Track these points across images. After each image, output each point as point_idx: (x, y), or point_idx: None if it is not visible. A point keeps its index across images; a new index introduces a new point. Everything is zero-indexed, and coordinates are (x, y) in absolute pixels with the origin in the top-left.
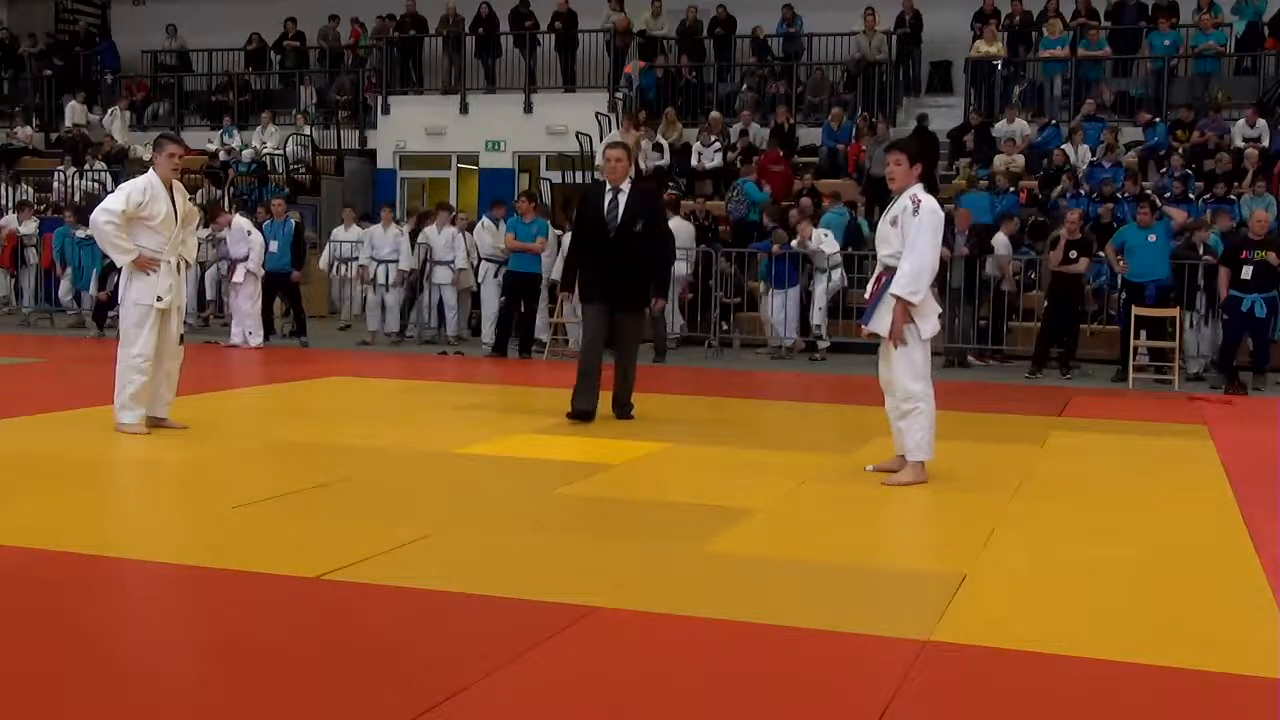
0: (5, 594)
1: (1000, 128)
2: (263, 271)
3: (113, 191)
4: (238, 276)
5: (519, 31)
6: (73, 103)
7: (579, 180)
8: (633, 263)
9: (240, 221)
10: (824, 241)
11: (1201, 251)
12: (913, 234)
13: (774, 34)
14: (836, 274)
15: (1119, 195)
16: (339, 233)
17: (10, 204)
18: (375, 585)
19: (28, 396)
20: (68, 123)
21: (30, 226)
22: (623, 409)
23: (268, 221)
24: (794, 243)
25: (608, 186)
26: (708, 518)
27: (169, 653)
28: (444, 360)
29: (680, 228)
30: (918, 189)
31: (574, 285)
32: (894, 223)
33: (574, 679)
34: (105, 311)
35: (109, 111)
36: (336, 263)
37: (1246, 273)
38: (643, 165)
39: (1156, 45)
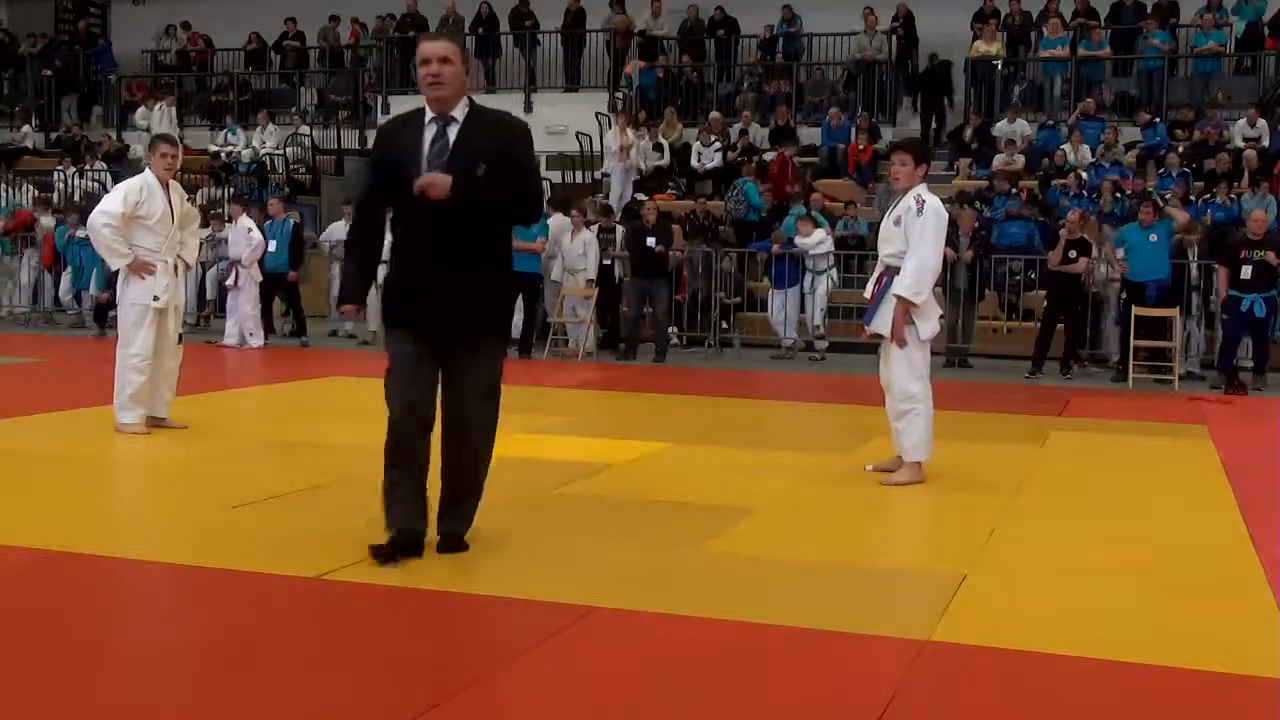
0: (6, 594)
1: (1001, 127)
2: (258, 273)
3: (110, 192)
4: (241, 280)
5: (519, 31)
6: (94, 106)
7: (579, 180)
8: (471, 249)
9: (245, 220)
10: (820, 245)
11: (1193, 257)
12: (916, 234)
13: (772, 35)
14: (834, 274)
15: (1118, 195)
16: (337, 229)
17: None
18: (375, 585)
19: (28, 396)
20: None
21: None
22: (454, 526)
23: (268, 221)
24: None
25: (427, 115)
26: (708, 518)
27: (169, 653)
28: None
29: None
30: (922, 189)
31: (359, 294)
32: (897, 222)
33: (574, 679)
34: (106, 312)
35: (156, 107)
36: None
37: (1246, 272)
38: (642, 165)
39: (1147, 47)
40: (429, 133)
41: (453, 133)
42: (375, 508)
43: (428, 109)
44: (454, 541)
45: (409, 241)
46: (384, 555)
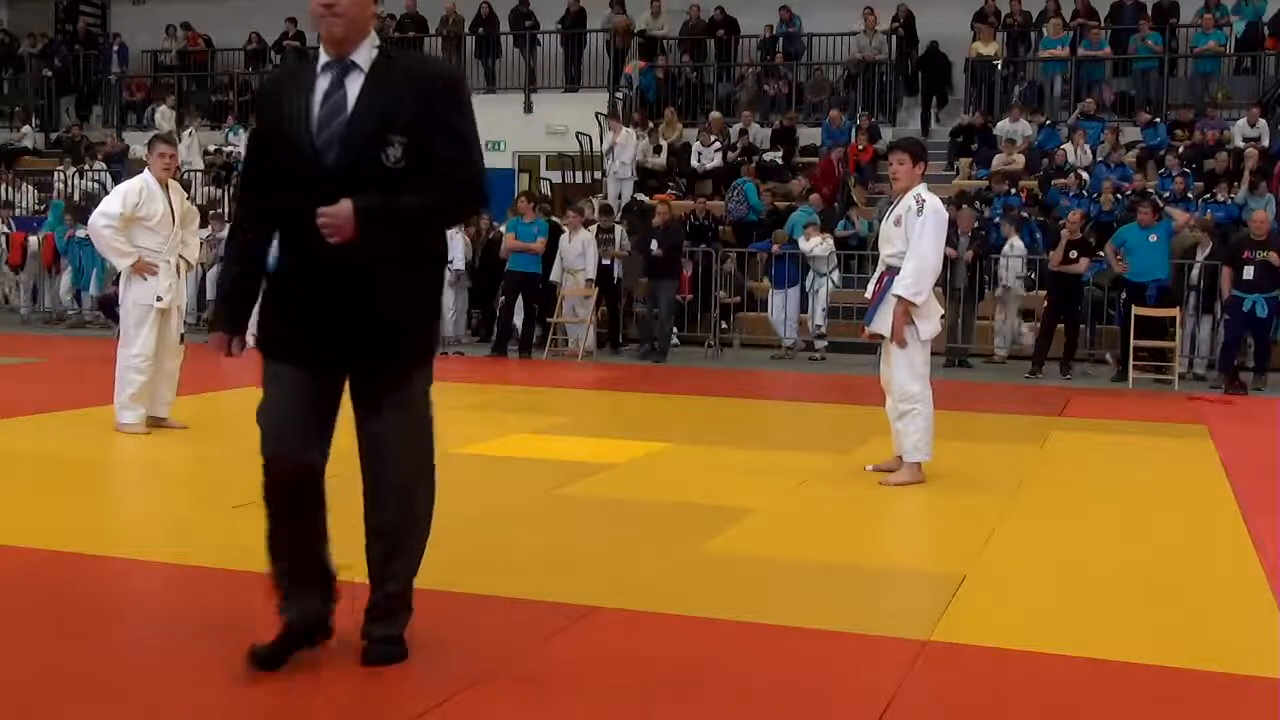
0: (5, 594)
1: (1002, 127)
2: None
3: (110, 193)
4: None
5: (519, 31)
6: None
7: (579, 180)
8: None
9: None
10: (820, 246)
11: (1200, 255)
12: (916, 234)
13: (772, 35)
14: (835, 275)
15: (1118, 195)
16: None
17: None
18: None
19: (28, 396)
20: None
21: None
22: (385, 628)
23: None
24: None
25: (320, 61)
26: (708, 518)
27: (169, 653)
28: (444, 360)
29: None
30: (921, 188)
31: (233, 318)
32: (897, 222)
33: (574, 679)
34: (113, 305)
35: (158, 111)
36: None
37: (1248, 273)
38: (644, 164)
39: (1141, 47)
40: (321, 85)
41: (353, 86)
42: None
43: (321, 52)
44: (384, 649)
45: (297, 242)
46: (266, 657)
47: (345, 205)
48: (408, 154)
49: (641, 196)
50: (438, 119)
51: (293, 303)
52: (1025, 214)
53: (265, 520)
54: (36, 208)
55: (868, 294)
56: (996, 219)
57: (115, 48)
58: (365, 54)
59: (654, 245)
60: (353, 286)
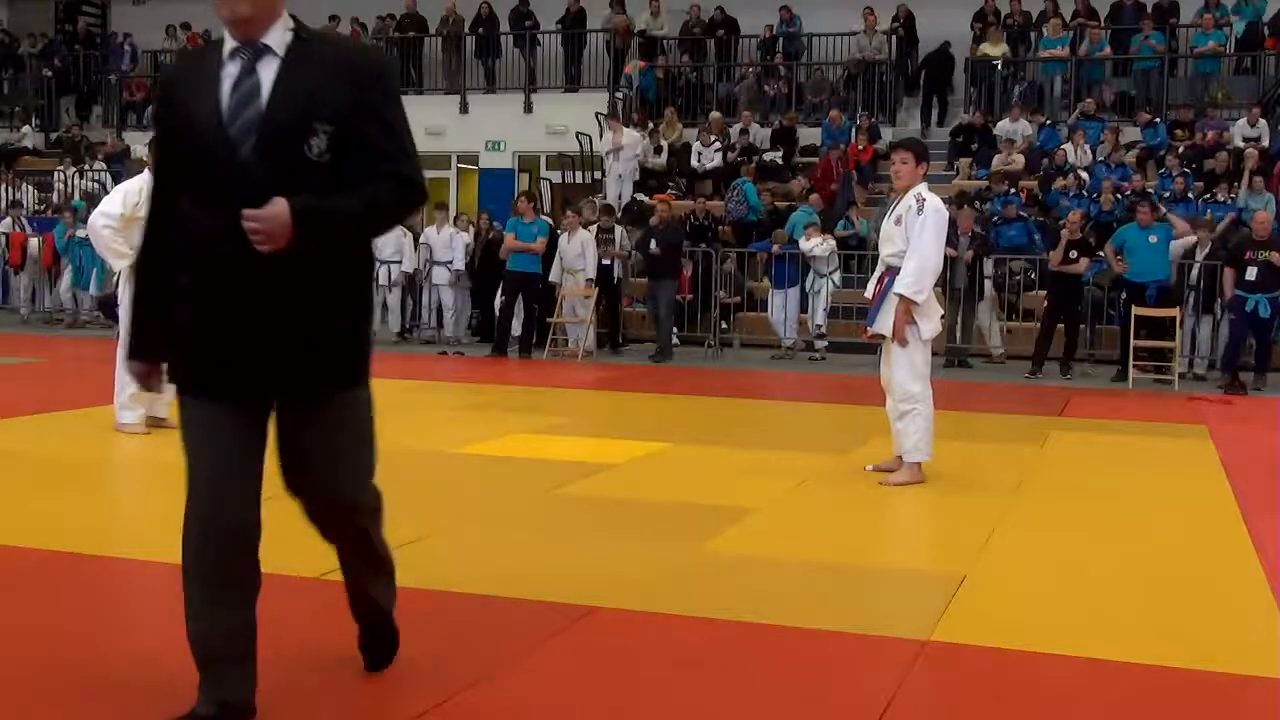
0: (5, 594)
1: (1002, 127)
2: None
3: (110, 193)
4: None
5: (519, 31)
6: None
7: (579, 180)
8: (309, 260)
9: None
10: (820, 246)
11: (1199, 255)
12: (917, 233)
13: (772, 35)
14: (836, 276)
15: (1118, 195)
16: None
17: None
18: None
19: (28, 396)
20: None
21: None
22: (383, 653)
23: None
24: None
25: (227, 46)
26: (708, 518)
27: (169, 653)
28: (444, 360)
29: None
30: (922, 188)
31: (151, 343)
32: (898, 221)
33: (574, 679)
34: (113, 306)
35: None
36: None
37: (1251, 273)
38: (645, 163)
39: (1143, 48)
40: (229, 72)
41: (267, 71)
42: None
43: (227, 37)
44: (378, 658)
45: (212, 251)
46: None
47: (278, 208)
48: (334, 146)
49: (641, 196)
50: (367, 107)
51: (209, 323)
52: (1024, 213)
53: (185, 586)
54: (37, 208)
55: (868, 294)
56: (996, 218)
57: (125, 47)
58: (278, 36)
59: (652, 245)
60: (279, 300)
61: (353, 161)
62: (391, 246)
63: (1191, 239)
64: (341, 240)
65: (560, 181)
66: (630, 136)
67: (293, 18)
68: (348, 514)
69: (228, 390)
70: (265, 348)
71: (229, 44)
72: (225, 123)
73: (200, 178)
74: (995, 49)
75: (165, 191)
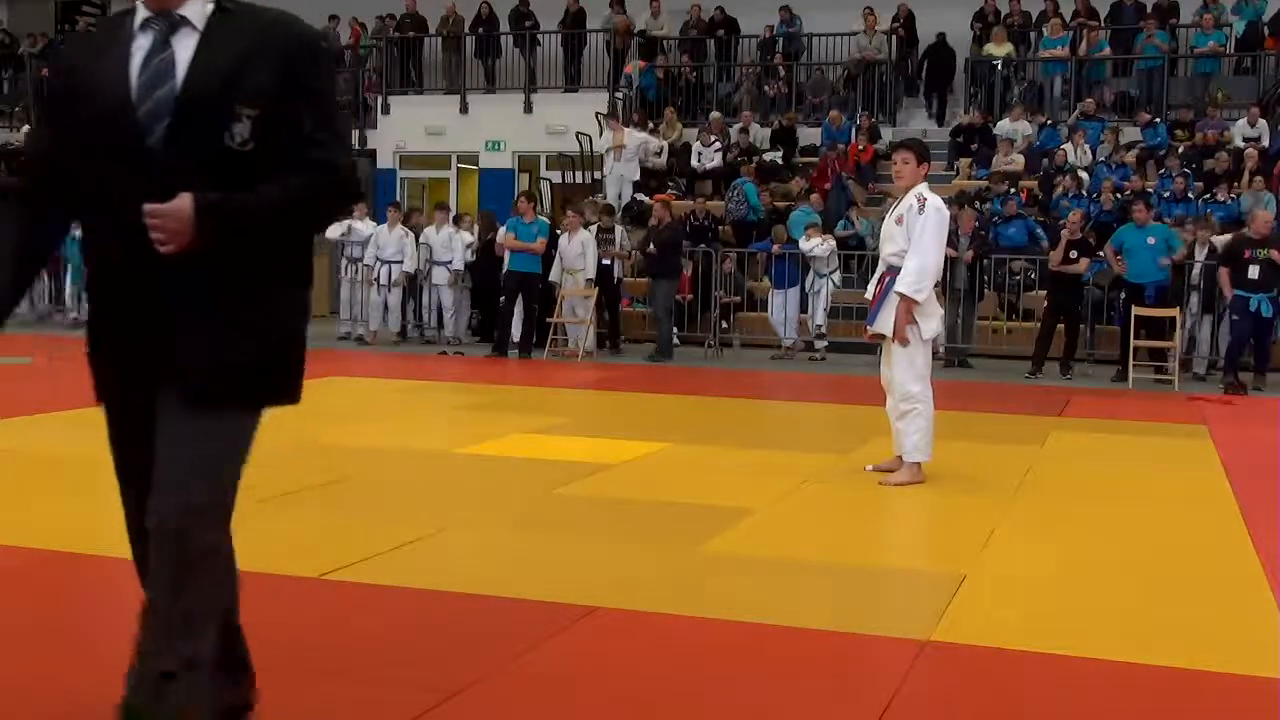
0: (5, 594)
1: (1002, 127)
2: None
3: None
4: None
5: (519, 31)
6: None
7: (579, 180)
8: (222, 254)
9: None
10: (820, 246)
11: (1198, 255)
12: (918, 232)
13: (772, 35)
14: (836, 276)
15: (1118, 195)
16: (359, 227)
17: None
18: (375, 585)
19: (27, 396)
20: None
21: None
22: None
23: None
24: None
25: (139, 16)
26: (707, 518)
27: None
28: (444, 360)
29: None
30: (923, 188)
31: None
32: (899, 221)
33: (574, 679)
34: None
35: None
36: (346, 264)
37: (1253, 272)
38: (647, 162)
39: (1146, 47)
40: (139, 45)
41: (183, 45)
42: (376, 507)
43: (139, 6)
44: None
45: (108, 246)
46: None
47: (182, 203)
48: (258, 132)
49: (641, 196)
50: (298, 88)
51: (108, 330)
52: (1023, 211)
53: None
54: None
55: (868, 295)
56: (996, 218)
57: None
58: (196, 7)
59: (650, 244)
60: (182, 310)
61: (281, 149)
62: (392, 246)
63: (1206, 234)
64: (257, 241)
65: (560, 181)
66: (634, 137)
67: (379, 34)
68: (172, 553)
69: (130, 396)
70: (162, 361)
71: (141, 13)
72: (133, 104)
73: (102, 168)
74: (1000, 49)
75: (40, 176)
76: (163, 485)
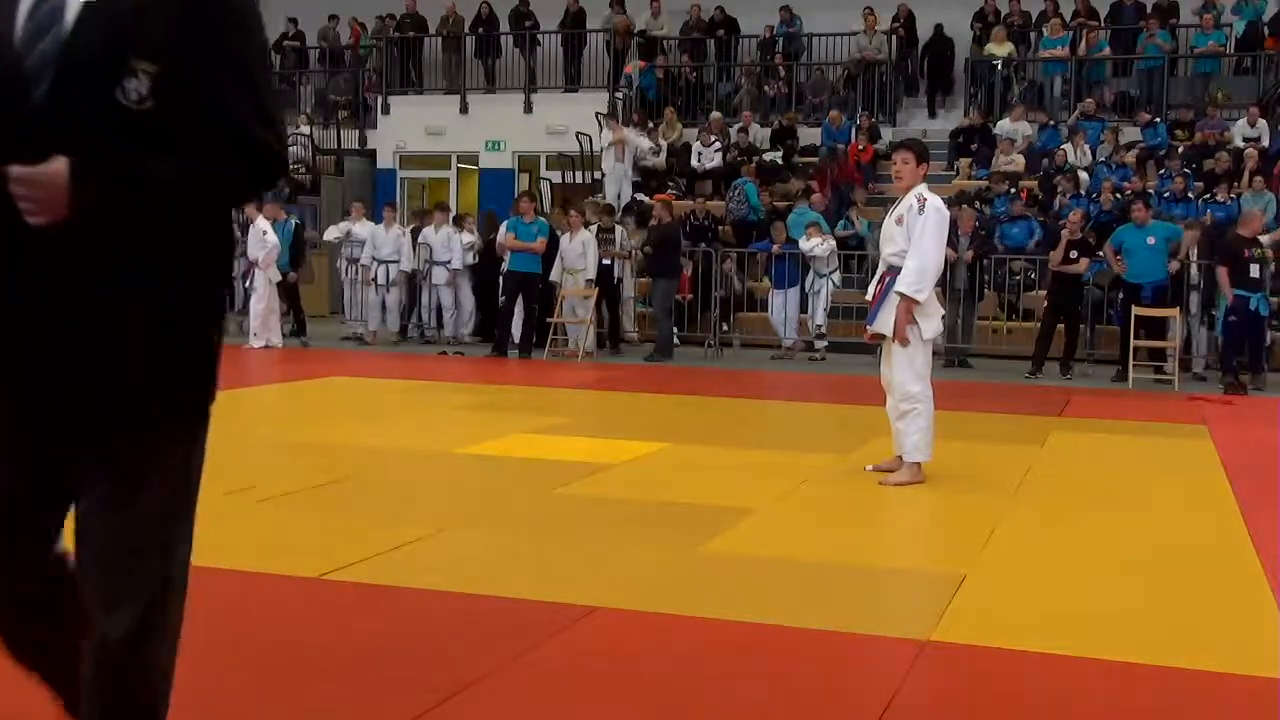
0: None
1: (1003, 127)
2: (275, 273)
3: None
4: (258, 283)
5: (519, 31)
6: None
7: (579, 180)
8: (126, 245)
9: (260, 222)
10: (820, 246)
11: (1193, 256)
12: (918, 232)
13: (772, 35)
14: (836, 276)
15: (1118, 194)
16: (357, 230)
17: None
18: (375, 585)
19: None
20: None
21: None
22: None
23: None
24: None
25: None
26: (707, 518)
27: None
28: (444, 360)
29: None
30: (923, 188)
31: None
32: (899, 221)
33: (574, 679)
34: None
35: None
36: (346, 264)
37: (1254, 271)
38: (646, 162)
39: (1147, 47)
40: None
41: (70, 5)
42: (376, 507)
43: None
44: None
45: None
46: None
47: (56, 165)
48: (159, 90)
49: (641, 196)
50: (207, 42)
51: None
52: (1026, 211)
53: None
54: None
55: (869, 295)
56: (1001, 217)
57: None
58: None
59: (647, 244)
60: (72, 301)
61: (189, 114)
62: (389, 246)
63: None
64: (148, 215)
65: (560, 181)
66: (632, 136)
67: (378, 34)
68: (130, 609)
69: (8, 433)
70: (55, 364)
71: None
72: (17, 55)
73: None
74: (1001, 49)
75: None
76: (113, 556)
